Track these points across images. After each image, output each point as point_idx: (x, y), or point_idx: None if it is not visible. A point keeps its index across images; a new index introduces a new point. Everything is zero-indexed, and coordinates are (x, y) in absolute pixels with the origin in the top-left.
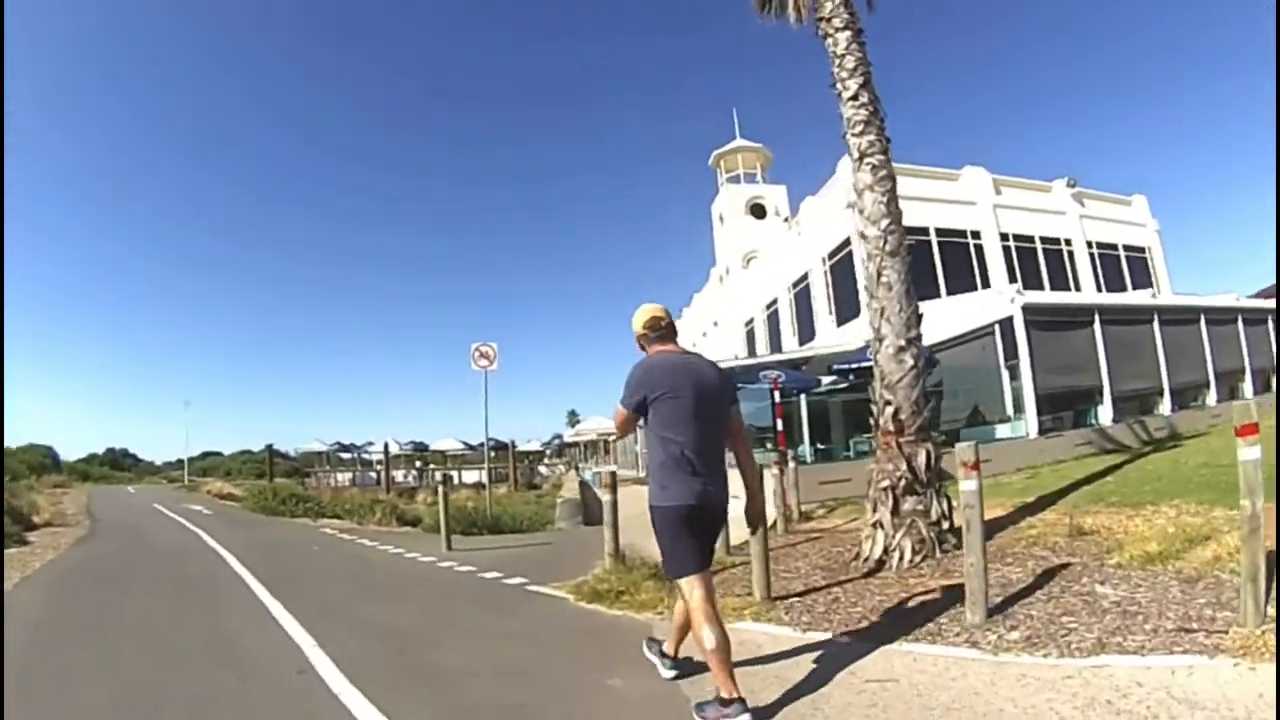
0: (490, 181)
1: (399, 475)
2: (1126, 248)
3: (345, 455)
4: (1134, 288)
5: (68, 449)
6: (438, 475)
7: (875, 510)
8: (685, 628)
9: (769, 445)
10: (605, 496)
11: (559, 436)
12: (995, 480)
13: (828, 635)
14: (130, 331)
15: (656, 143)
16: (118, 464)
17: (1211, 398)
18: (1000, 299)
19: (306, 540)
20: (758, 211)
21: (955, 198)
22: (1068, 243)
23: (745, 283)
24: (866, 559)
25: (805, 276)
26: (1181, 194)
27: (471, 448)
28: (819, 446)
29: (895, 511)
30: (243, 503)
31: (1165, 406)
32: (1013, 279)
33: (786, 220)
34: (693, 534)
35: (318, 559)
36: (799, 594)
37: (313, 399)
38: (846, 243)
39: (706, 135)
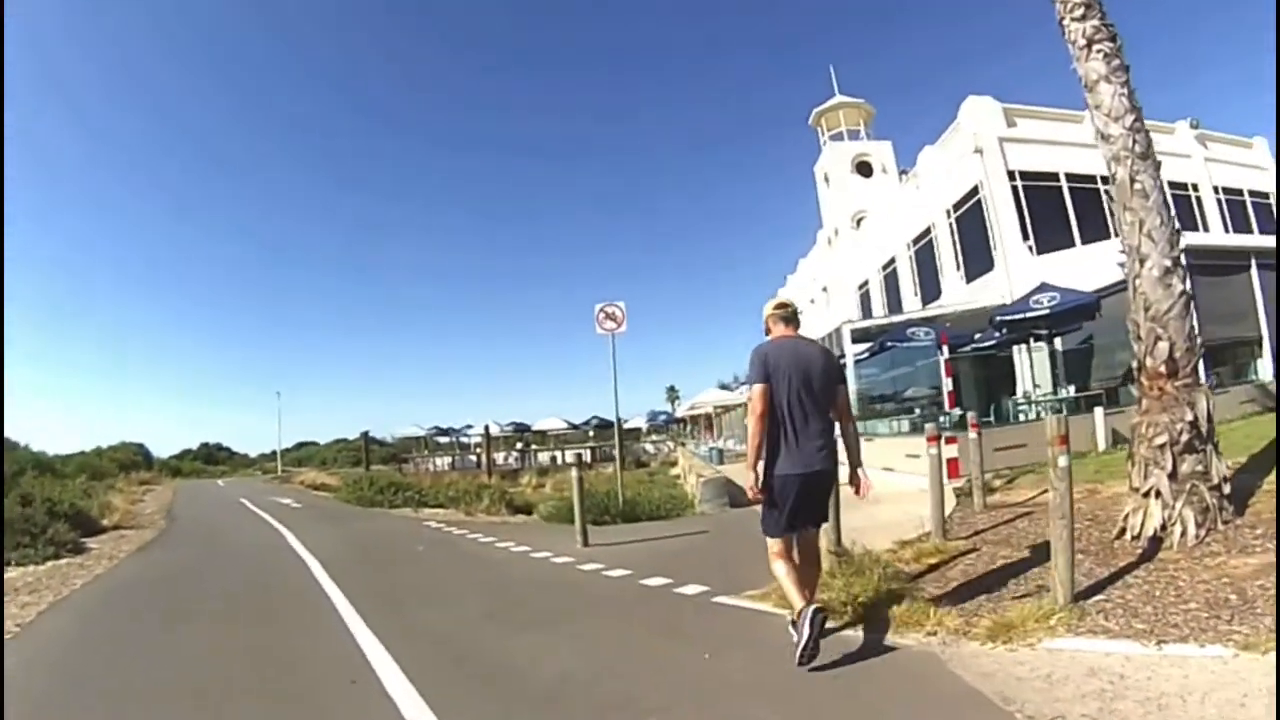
0: (576, 154)
1: (500, 458)
2: (1252, 193)
3: (443, 439)
4: (1260, 234)
5: (162, 446)
6: (542, 456)
7: (1146, 474)
8: (798, 583)
9: (918, 409)
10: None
11: (664, 413)
12: None
13: (1196, 648)
14: (220, 325)
15: (750, 110)
16: (212, 458)
17: None
18: None
19: (409, 537)
20: (864, 169)
21: (1082, 141)
22: (1194, 188)
23: (856, 243)
24: (1136, 535)
25: (928, 231)
26: None
27: (575, 426)
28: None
29: (1173, 475)
30: (337, 493)
31: None
32: None
33: (903, 173)
34: (795, 501)
35: (425, 564)
36: (1087, 589)
37: (410, 384)
38: (974, 191)
39: (803, 101)
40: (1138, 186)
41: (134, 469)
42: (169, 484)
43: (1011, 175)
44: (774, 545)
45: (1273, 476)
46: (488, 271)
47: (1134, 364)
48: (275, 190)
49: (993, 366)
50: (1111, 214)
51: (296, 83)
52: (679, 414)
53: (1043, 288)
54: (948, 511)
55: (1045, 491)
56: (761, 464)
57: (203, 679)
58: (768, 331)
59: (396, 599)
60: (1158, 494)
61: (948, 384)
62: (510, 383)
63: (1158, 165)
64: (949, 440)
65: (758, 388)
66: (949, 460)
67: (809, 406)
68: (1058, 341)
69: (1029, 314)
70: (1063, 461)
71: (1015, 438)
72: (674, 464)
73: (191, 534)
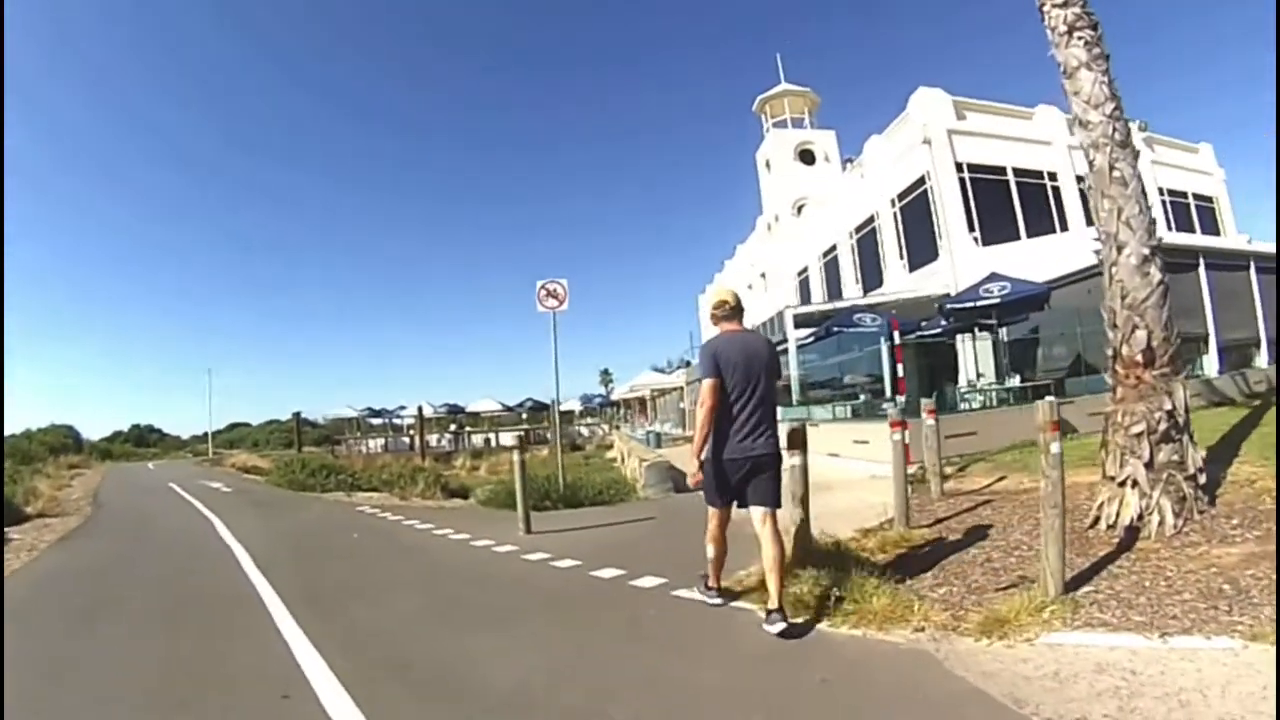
0: (509, 145)
1: (433, 440)
2: (1196, 196)
3: (376, 421)
4: (1204, 235)
5: (92, 428)
6: (476, 438)
7: (1123, 463)
8: (722, 558)
9: (863, 396)
10: (791, 460)
11: (599, 395)
12: None
13: (1203, 640)
14: (150, 306)
15: (688, 101)
16: (143, 440)
17: None
18: None
19: (343, 524)
20: (807, 157)
21: (1030, 137)
22: None
23: (797, 231)
24: (1112, 525)
25: (871, 220)
26: (1243, 144)
27: (509, 408)
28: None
29: (1150, 464)
30: (268, 476)
31: (1263, 359)
32: (1089, 223)
33: (847, 161)
34: (727, 479)
35: (361, 555)
36: (1073, 580)
37: (342, 366)
38: (920, 181)
39: (746, 88)
40: (1116, 174)
41: (64, 452)
42: (99, 468)
43: (959, 167)
44: (712, 523)
45: (1238, 468)
46: (423, 255)
47: (1109, 352)
48: (202, 163)
49: (936, 355)
50: (1084, 203)
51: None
52: (615, 396)
53: (993, 277)
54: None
55: (1001, 479)
56: (708, 449)
57: (113, 695)
58: (715, 324)
59: (332, 596)
60: (1134, 483)
61: (898, 370)
62: (444, 365)
63: (1136, 154)
64: (895, 425)
65: (708, 382)
66: (904, 445)
67: (754, 396)
68: (1002, 332)
69: (979, 303)
70: (1055, 448)
71: (964, 426)
72: (609, 447)
73: (118, 522)
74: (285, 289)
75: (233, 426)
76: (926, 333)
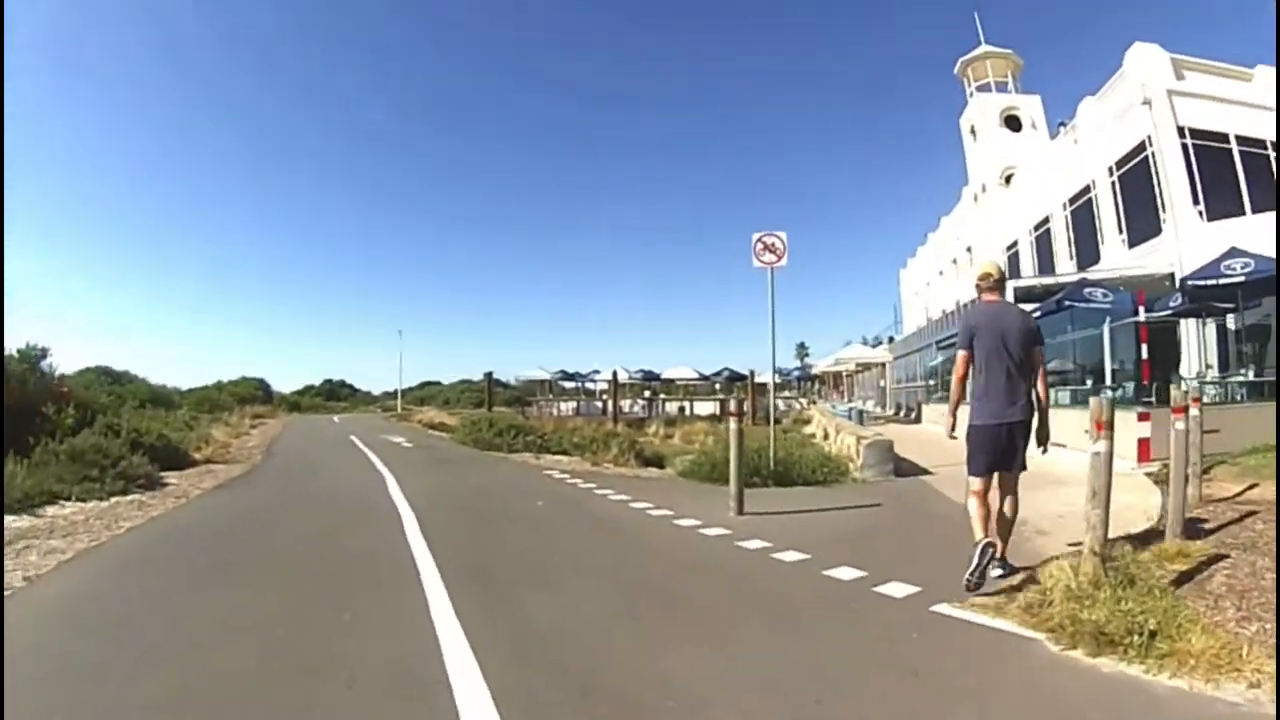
0: (704, 105)
1: (625, 406)
2: None
3: (569, 384)
4: None
5: (284, 382)
6: (670, 406)
7: None
8: (1003, 526)
9: (1089, 381)
10: (1097, 445)
11: (796, 368)
12: None
13: None
14: (346, 267)
15: (891, 63)
16: (334, 394)
17: None
18: None
19: (527, 489)
20: (1013, 123)
21: (1251, 100)
22: None
23: (1006, 201)
24: None
25: (1086, 190)
26: None
27: (705, 377)
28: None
29: None
30: (454, 434)
31: None
32: None
33: (1061, 125)
34: (991, 447)
35: (544, 527)
36: None
37: (537, 328)
38: (1141, 147)
39: (946, 49)
40: None
41: (252, 403)
42: (283, 418)
43: (1181, 132)
44: (974, 484)
45: None
46: (619, 223)
47: None
48: (381, 137)
49: (1158, 340)
50: None
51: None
52: (818, 369)
53: (1233, 253)
54: (1156, 503)
55: (1253, 486)
56: (970, 416)
57: (194, 680)
58: (979, 293)
59: (502, 577)
60: None
61: (1144, 350)
62: (640, 331)
63: None
64: (1142, 417)
65: (960, 354)
66: (1140, 441)
67: (1005, 365)
68: (1230, 318)
69: (1222, 280)
70: None
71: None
72: (807, 421)
73: (283, 472)
74: (485, 255)
75: (424, 384)
76: (1157, 314)
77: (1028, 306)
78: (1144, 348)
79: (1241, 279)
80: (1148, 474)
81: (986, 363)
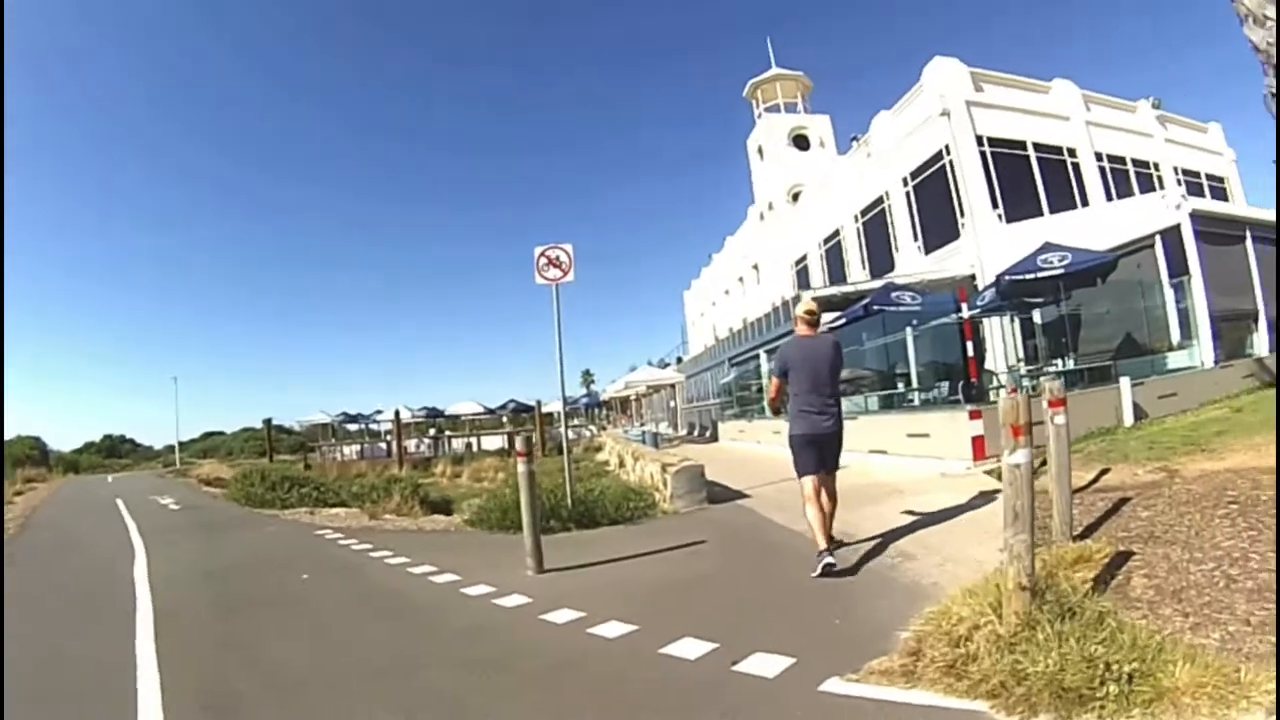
0: (490, 150)
1: (411, 445)
2: (1208, 176)
3: (352, 426)
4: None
5: (64, 440)
6: (456, 443)
7: None
8: (823, 518)
9: (902, 385)
10: (1015, 455)
11: (584, 396)
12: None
13: None
14: (121, 315)
15: (676, 95)
16: (115, 450)
17: None
18: (1160, 206)
19: (294, 558)
20: (801, 142)
21: (1048, 111)
22: (1156, 168)
23: (794, 218)
24: None
25: (880, 201)
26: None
27: (491, 411)
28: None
29: None
30: (227, 490)
31: None
32: (1109, 199)
33: (854, 139)
34: (810, 450)
35: (310, 611)
36: None
37: (320, 372)
38: (938, 156)
39: (736, 78)
40: None
41: (29, 464)
42: (56, 481)
43: (980, 140)
44: (807, 486)
45: None
46: (399, 261)
47: None
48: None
49: (953, 342)
50: (1104, 180)
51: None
52: (608, 394)
53: (1047, 247)
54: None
55: (1105, 472)
56: (791, 429)
57: None
58: (796, 325)
59: (249, 699)
60: None
61: (970, 348)
62: (422, 367)
63: None
64: (974, 415)
65: (774, 381)
66: (975, 439)
67: (817, 388)
68: (1036, 313)
69: (1040, 273)
70: None
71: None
72: (598, 449)
73: (30, 552)
74: (265, 294)
75: (207, 435)
76: (973, 312)
77: (828, 316)
78: (969, 345)
79: (1060, 271)
80: (987, 473)
81: (802, 387)
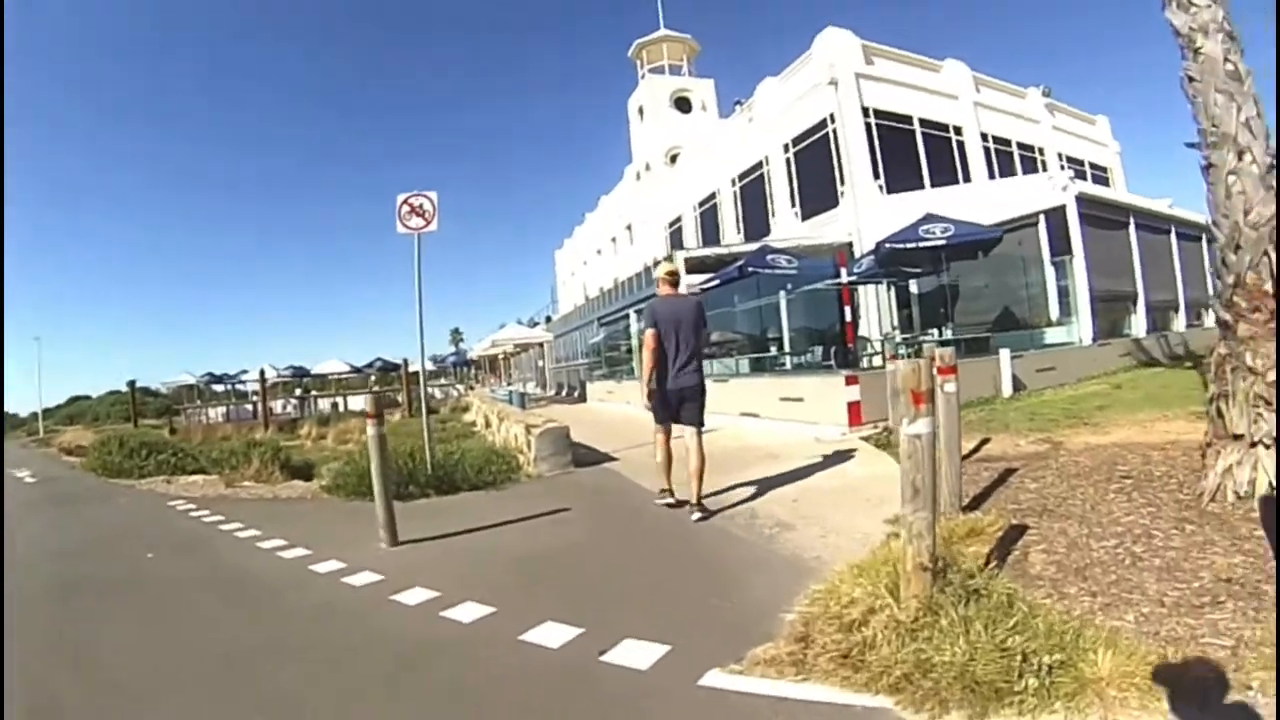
0: (359, 110)
1: (279, 406)
2: (1092, 165)
3: (219, 387)
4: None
5: None
6: (323, 403)
7: (1255, 418)
8: (696, 475)
9: (774, 349)
10: (915, 425)
11: (451, 354)
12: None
13: None
14: None
15: (558, 53)
16: None
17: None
18: (1047, 186)
19: (142, 532)
20: (683, 105)
21: (937, 89)
22: (1041, 152)
23: (671, 179)
24: (1242, 495)
25: (759, 166)
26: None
27: (357, 370)
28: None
29: None
30: (85, 459)
31: (1180, 322)
32: (992, 177)
33: (737, 103)
34: (669, 404)
35: (149, 597)
36: None
37: (189, 330)
38: (822, 124)
39: (623, 41)
40: (1229, 67)
41: None
42: None
43: (866, 111)
44: (660, 438)
45: None
46: (267, 218)
47: (1229, 280)
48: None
49: (828, 307)
50: (988, 159)
51: None
52: (475, 353)
53: (930, 218)
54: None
55: (986, 441)
56: (653, 381)
57: None
58: (660, 287)
59: (70, 711)
60: (1262, 443)
61: (848, 313)
62: (290, 326)
63: (1242, 50)
64: (850, 381)
65: (649, 332)
66: (850, 405)
67: (680, 345)
68: (914, 283)
69: (922, 243)
70: None
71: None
72: (466, 409)
73: None
74: (134, 252)
75: (73, 400)
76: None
77: (700, 277)
78: (846, 310)
79: (942, 242)
80: (864, 439)
81: (666, 343)
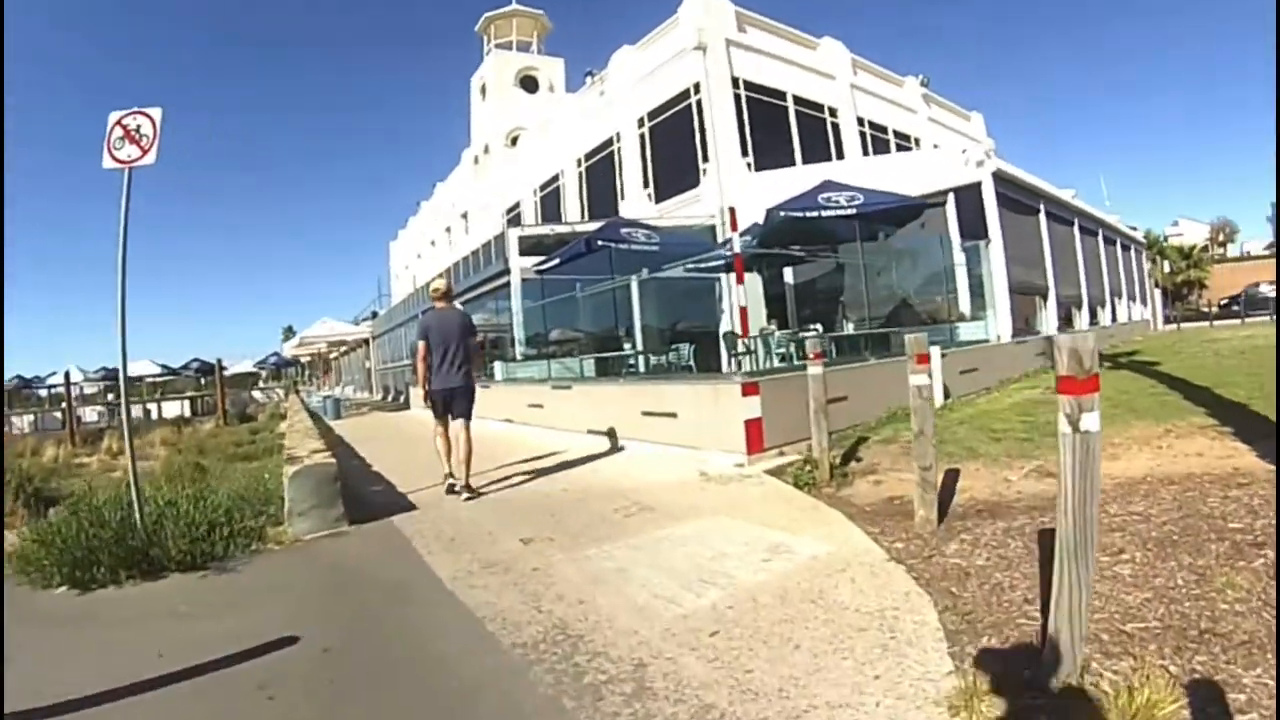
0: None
1: (92, 414)
2: None
3: (35, 392)
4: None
5: None
6: (136, 409)
7: None
8: (465, 461)
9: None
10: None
11: (276, 354)
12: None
13: None
14: None
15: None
16: None
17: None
18: (957, 161)
19: None
20: (529, 84)
21: (814, 67)
22: (917, 142)
23: (510, 163)
24: None
25: (608, 144)
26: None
27: (174, 371)
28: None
29: None
30: None
31: (1083, 319)
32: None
33: (588, 74)
34: (442, 401)
35: None
36: None
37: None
38: (684, 95)
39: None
40: None
41: None
42: None
43: (736, 82)
44: (437, 428)
45: None
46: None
47: None
48: None
49: (695, 296)
50: (863, 144)
51: None
52: (289, 352)
53: (829, 185)
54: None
55: (955, 476)
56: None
57: None
58: (433, 299)
59: None
60: None
61: (742, 295)
62: (100, 322)
63: None
64: (748, 390)
65: (420, 344)
66: (749, 423)
67: (448, 352)
68: (788, 272)
69: (824, 211)
70: None
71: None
72: (283, 417)
73: None
74: None
75: None
76: (702, 265)
77: (537, 258)
78: (740, 291)
79: (851, 211)
80: (770, 471)
81: (436, 351)
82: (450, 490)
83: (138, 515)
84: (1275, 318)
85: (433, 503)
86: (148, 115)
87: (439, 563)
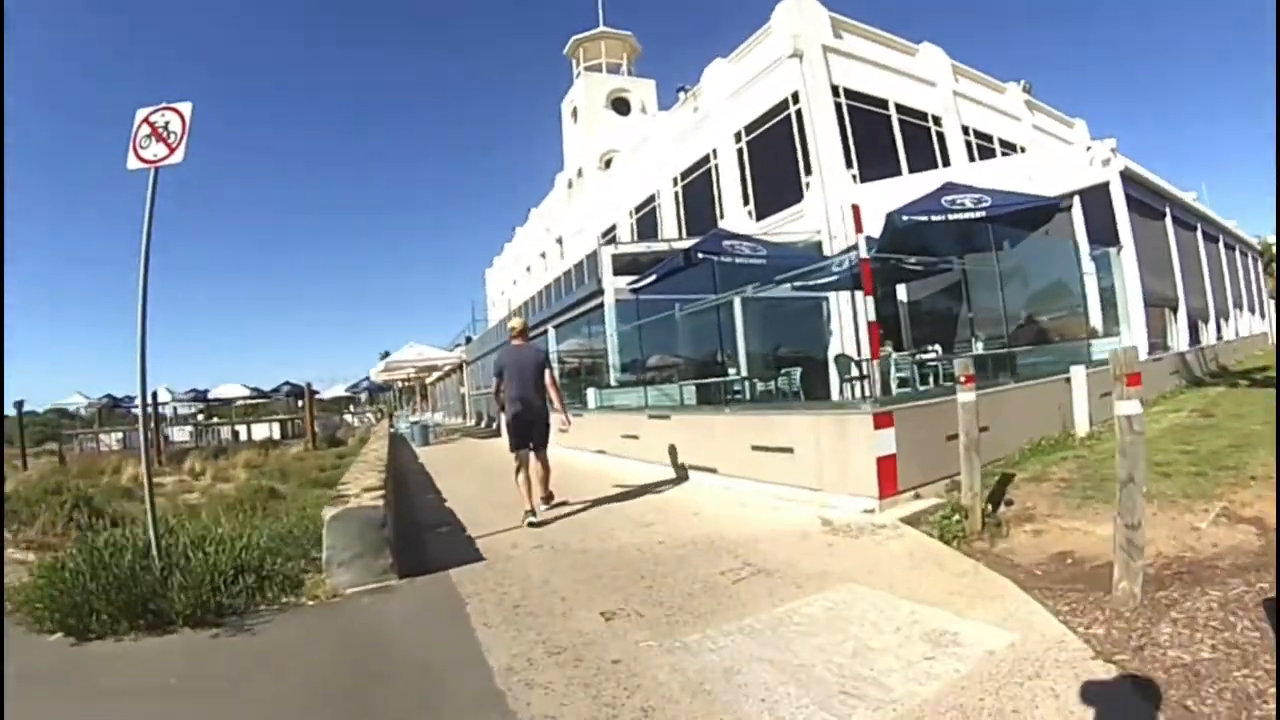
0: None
1: (176, 434)
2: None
3: (120, 411)
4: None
5: None
6: (225, 431)
7: None
8: (542, 481)
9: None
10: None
11: (368, 379)
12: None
13: None
14: None
15: (494, 60)
16: None
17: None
18: (1080, 160)
19: None
20: (621, 106)
21: (913, 73)
22: (1023, 150)
23: (605, 186)
24: None
25: (705, 161)
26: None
27: (263, 394)
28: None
29: None
30: None
31: (1210, 333)
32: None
33: (681, 90)
34: (519, 432)
35: None
36: None
37: (78, 348)
38: (784, 105)
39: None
40: None
41: None
42: None
43: (835, 90)
44: (518, 464)
45: None
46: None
47: None
48: None
49: (788, 319)
50: (969, 153)
51: None
52: (376, 377)
53: (950, 188)
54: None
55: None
56: (505, 415)
57: None
58: (511, 338)
59: None
60: None
61: (870, 308)
62: (193, 344)
63: None
64: (881, 422)
65: (495, 380)
66: (882, 461)
67: (525, 386)
68: (900, 289)
69: (950, 215)
70: None
71: (947, 419)
72: (365, 440)
73: None
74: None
75: None
76: (813, 285)
77: (631, 277)
78: (869, 304)
79: (981, 213)
80: (905, 519)
81: (512, 385)
82: (530, 525)
83: (154, 555)
84: (1274, 327)
85: (503, 552)
86: (177, 111)
87: (495, 641)
